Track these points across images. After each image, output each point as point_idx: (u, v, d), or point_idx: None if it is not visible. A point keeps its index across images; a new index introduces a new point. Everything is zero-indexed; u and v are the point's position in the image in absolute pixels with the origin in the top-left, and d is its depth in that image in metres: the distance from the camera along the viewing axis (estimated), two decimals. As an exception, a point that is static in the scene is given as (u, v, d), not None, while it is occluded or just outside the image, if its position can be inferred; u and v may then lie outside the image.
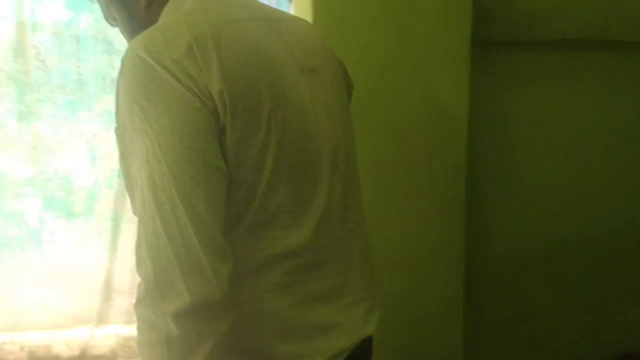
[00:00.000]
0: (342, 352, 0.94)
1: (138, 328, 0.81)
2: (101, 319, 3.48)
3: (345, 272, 0.97)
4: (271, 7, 1.00)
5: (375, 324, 1.02)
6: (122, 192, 3.37)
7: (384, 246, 1.50)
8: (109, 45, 3.29)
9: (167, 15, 0.89)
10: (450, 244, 1.56)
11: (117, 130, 0.83)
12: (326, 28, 1.46)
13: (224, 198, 0.79)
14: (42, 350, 3.45)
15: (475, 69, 1.55)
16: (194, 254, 0.74)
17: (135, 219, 0.80)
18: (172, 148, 0.73)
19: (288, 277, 0.88)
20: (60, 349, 3.45)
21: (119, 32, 1.02)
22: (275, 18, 0.94)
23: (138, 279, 0.80)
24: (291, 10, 1.93)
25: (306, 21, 1.06)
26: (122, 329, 3.39)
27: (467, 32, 1.51)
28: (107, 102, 3.26)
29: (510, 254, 1.82)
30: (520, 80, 1.77)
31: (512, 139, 1.81)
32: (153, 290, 0.76)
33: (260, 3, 0.98)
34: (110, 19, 1.00)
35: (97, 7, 1.05)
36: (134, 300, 0.81)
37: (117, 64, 1.11)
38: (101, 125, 3.29)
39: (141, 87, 0.75)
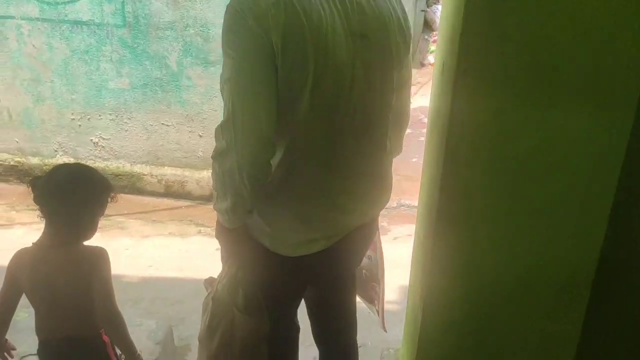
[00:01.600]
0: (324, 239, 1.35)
1: (213, 170, 1.25)
2: (229, 165, 3.68)
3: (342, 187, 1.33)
4: None
5: (358, 222, 1.42)
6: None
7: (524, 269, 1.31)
8: None
9: None
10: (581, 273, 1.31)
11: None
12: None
13: (274, 104, 1.16)
14: (176, 186, 3.78)
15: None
16: (249, 132, 1.15)
17: None
18: (245, 65, 1.13)
19: (298, 173, 1.27)
20: (192, 187, 3.75)
21: None
22: None
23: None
24: None
25: None
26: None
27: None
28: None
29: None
30: None
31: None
32: (224, 150, 1.18)
33: None
34: None
35: None
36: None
37: None
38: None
39: (232, 27, 1.14)
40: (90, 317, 1.45)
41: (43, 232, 1.43)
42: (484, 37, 1.09)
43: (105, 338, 1.50)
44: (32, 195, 1.41)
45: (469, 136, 1.16)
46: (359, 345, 1.88)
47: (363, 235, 1.49)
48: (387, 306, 2.78)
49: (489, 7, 1.09)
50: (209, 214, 3.63)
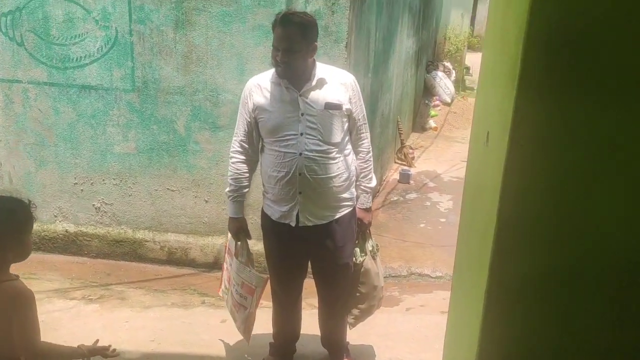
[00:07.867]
0: None
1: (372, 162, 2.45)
2: (235, 231, 3.56)
3: None
4: None
5: None
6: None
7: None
8: (267, -45, 3.14)
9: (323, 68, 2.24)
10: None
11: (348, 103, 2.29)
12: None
13: None
14: (180, 253, 3.65)
15: None
16: None
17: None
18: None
19: None
20: (196, 254, 3.62)
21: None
22: None
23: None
24: None
25: None
26: (253, 243, 3.45)
27: None
28: (261, 17, 3.16)
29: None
30: None
31: None
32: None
33: None
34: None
35: None
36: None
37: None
38: (252, 39, 3.22)
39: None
40: (9, 345, 1.59)
41: None
42: (539, 110, 1.03)
43: None
44: None
45: (525, 214, 1.07)
46: None
47: None
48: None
49: (544, 78, 1.02)
50: (213, 282, 3.48)
